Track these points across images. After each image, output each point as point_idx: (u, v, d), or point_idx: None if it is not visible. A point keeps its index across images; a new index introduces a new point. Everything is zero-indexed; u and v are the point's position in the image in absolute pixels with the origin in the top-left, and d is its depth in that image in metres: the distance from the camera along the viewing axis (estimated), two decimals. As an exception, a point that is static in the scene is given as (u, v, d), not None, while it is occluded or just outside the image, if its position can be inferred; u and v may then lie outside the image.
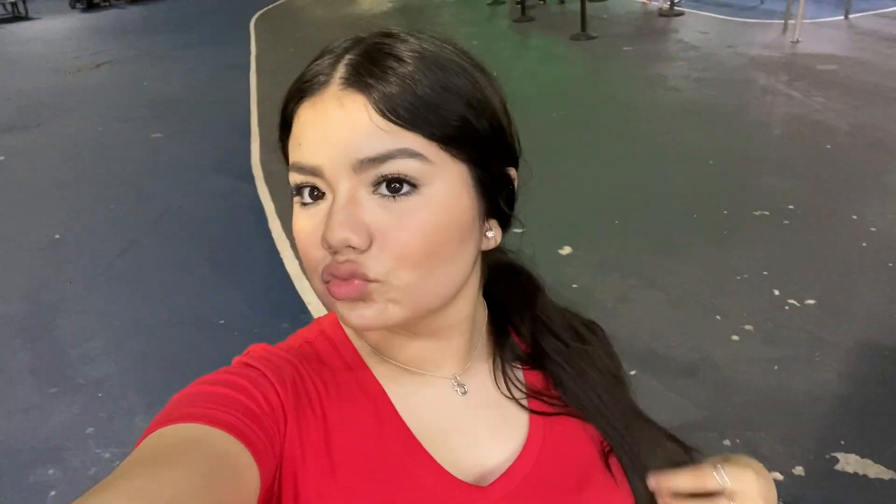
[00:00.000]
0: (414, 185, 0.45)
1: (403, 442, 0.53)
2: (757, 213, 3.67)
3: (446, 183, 0.47)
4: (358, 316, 0.47)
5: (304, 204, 0.48)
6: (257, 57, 8.41)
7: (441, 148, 0.46)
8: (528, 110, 5.50)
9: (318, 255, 0.47)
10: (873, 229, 3.40)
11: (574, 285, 3.08)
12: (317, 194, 0.47)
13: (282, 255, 3.55)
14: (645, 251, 3.42)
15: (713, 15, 8.73)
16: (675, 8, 8.79)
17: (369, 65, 0.46)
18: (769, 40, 7.29)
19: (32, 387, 2.73)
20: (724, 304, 2.92)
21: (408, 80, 0.45)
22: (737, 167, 4.32)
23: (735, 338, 2.70)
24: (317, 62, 0.49)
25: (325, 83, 0.47)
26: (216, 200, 4.37)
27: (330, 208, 0.46)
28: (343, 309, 0.48)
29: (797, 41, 7.01)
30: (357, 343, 0.58)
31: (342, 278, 0.46)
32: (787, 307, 2.85)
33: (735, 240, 3.45)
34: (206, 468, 0.39)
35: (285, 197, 0.51)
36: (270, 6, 12.31)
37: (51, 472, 2.31)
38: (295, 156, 0.47)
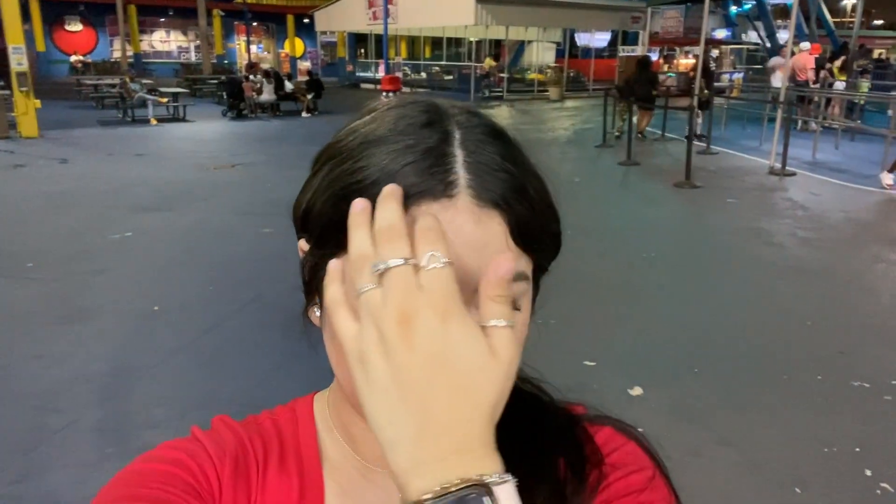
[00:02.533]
0: (517, 308, 0.44)
1: None
2: (856, 384, 3.36)
3: (528, 299, 0.46)
4: None
5: None
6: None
7: (535, 266, 0.46)
8: (620, 247, 5.49)
9: None
10: None
11: (639, 429, 2.91)
12: None
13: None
14: (724, 406, 3.19)
15: (827, 179, 8.54)
16: (788, 168, 8.69)
17: (496, 174, 0.43)
18: (888, 210, 6.99)
19: (93, 444, 2.85)
20: (806, 476, 2.63)
21: (533, 201, 0.44)
22: (838, 332, 4.03)
23: (815, 516, 2.41)
24: (408, 149, 0.43)
25: (451, 190, 0.42)
26: (302, 295, 4.58)
27: None
28: None
29: (918, 213, 6.68)
30: (321, 426, 0.56)
31: None
32: (878, 491, 2.53)
33: (827, 409, 3.16)
34: None
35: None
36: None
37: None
38: None
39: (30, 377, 3.44)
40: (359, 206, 0.41)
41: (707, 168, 9.04)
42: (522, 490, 0.49)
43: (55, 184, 8.14)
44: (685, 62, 14.66)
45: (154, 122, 14.19)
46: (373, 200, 0.42)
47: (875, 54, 26.23)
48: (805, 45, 12.71)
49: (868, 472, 2.64)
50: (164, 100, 15.07)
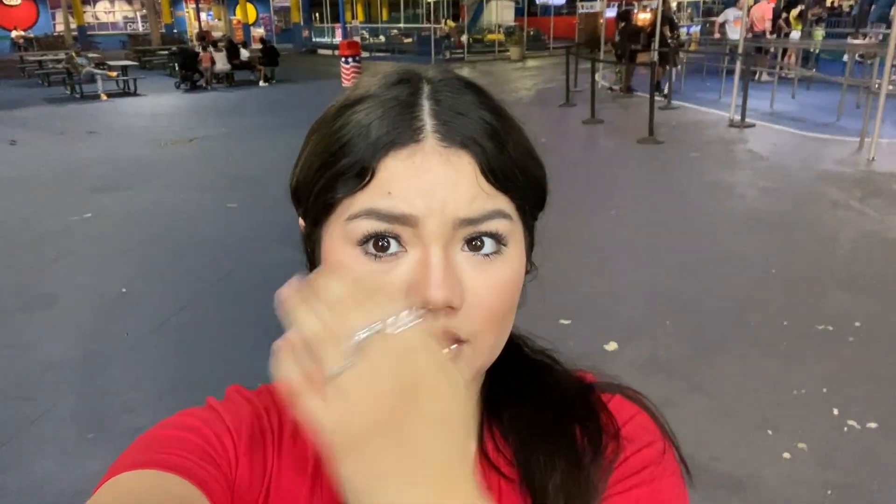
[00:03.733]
0: (503, 245, 0.46)
1: None
2: (820, 328, 3.49)
3: (517, 241, 0.48)
4: None
5: (375, 256, 0.44)
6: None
7: (517, 208, 0.47)
8: (589, 205, 5.53)
9: None
10: (949, 355, 3.16)
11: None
12: (386, 246, 0.44)
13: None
14: (695, 355, 3.28)
15: (785, 129, 8.69)
16: (747, 120, 8.81)
17: (461, 117, 0.45)
18: (843, 156, 7.16)
19: (72, 431, 2.81)
20: (778, 418, 2.74)
21: (504, 142, 0.46)
22: (801, 279, 4.16)
23: (787, 455, 2.51)
24: (380, 105, 0.45)
25: (417, 135, 0.44)
26: (274, 270, 4.50)
27: (420, 264, 0.43)
28: None
29: (873, 159, 6.86)
30: None
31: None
32: (846, 428, 2.65)
33: (794, 353, 3.27)
34: None
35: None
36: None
37: (72, 517, 2.33)
38: (379, 203, 0.43)
39: (-2, 368, 3.36)
40: (286, 292, 0.37)
41: (668, 123, 9.11)
42: (543, 461, 0.51)
43: (6, 167, 7.84)
44: (643, 17, 14.52)
45: (104, 97, 13.70)
46: (351, 157, 0.44)
47: (828, 2, 26.50)
48: (762, -6, 12.76)
49: (836, 412, 2.75)
50: (114, 74, 14.54)
